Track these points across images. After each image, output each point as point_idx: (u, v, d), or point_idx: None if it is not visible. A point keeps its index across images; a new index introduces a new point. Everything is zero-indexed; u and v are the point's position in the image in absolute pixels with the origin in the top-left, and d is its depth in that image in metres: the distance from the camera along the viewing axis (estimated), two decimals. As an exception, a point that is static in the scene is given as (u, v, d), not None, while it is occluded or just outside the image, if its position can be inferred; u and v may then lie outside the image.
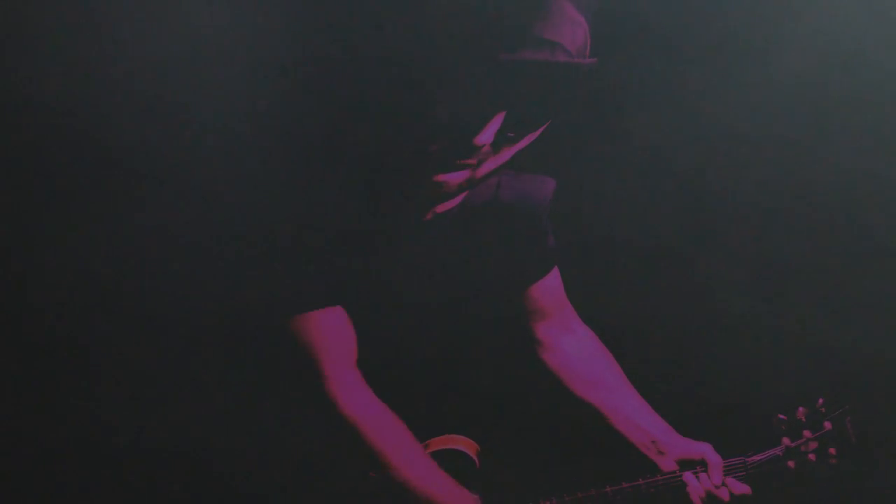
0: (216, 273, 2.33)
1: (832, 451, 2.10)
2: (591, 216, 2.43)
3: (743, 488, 2.11)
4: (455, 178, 1.90)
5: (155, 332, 2.33)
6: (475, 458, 2.22)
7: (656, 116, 2.34)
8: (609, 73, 2.07)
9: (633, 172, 2.38)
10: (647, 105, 2.33)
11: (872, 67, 2.32)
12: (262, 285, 2.21)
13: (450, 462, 2.22)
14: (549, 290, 2.30)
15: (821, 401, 2.12)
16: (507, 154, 1.93)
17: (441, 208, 2.06)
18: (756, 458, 2.11)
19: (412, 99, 1.91)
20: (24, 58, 2.47)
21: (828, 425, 2.10)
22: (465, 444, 2.24)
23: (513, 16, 1.87)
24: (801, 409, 2.13)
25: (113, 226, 2.47)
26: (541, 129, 1.96)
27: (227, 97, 2.30)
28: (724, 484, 2.11)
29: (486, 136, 1.83)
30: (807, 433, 2.11)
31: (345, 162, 2.04)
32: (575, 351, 2.33)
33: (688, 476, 2.12)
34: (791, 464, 2.11)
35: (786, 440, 2.11)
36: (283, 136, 2.19)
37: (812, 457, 2.10)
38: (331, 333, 2.12)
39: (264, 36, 2.30)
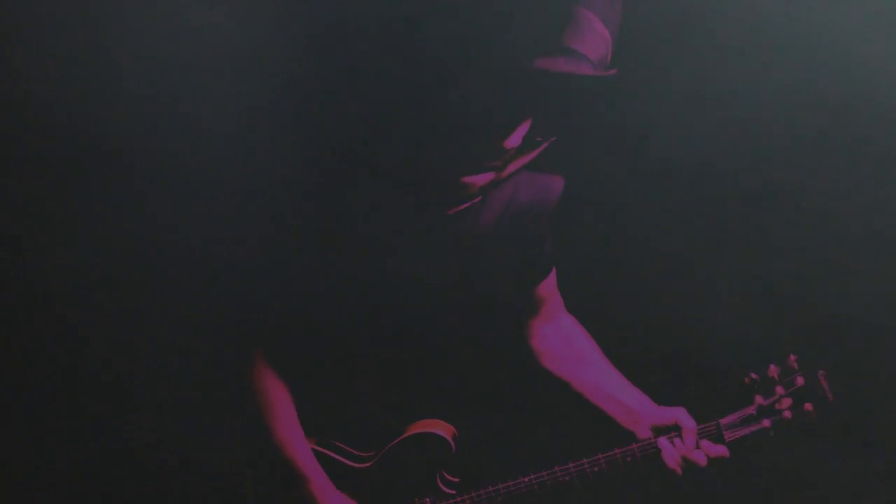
0: (222, 272, 2.36)
1: (808, 407, 2.07)
2: (594, 215, 2.45)
3: (719, 450, 2.08)
4: (481, 179, 1.98)
5: (154, 331, 2.37)
6: (451, 441, 2.22)
7: (664, 119, 2.36)
8: (621, 78, 2.10)
9: (637, 172, 2.40)
10: (654, 108, 2.36)
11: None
12: (268, 284, 2.25)
13: (427, 446, 2.23)
14: (548, 286, 2.31)
15: (793, 357, 2.10)
16: (530, 157, 2.02)
17: (462, 206, 2.12)
18: (729, 418, 2.09)
19: (443, 102, 1.98)
20: (24, 58, 2.52)
21: (800, 381, 2.07)
22: (441, 428, 2.24)
23: (542, 25, 1.95)
24: (772, 366, 2.10)
25: (113, 225, 2.50)
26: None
27: (243, 98, 2.34)
28: (698, 447, 2.08)
29: (515, 140, 1.93)
30: (779, 390, 2.08)
31: (370, 163, 2.11)
32: (555, 333, 2.34)
33: (662, 442, 2.10)
34: (767, 422, 2.08)
35: (758, 398, 2.08)
36: (308, 139, 2.23)
37: (787, 414, 2.07)
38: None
39: (286, 37, 2.34)
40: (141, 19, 2.51)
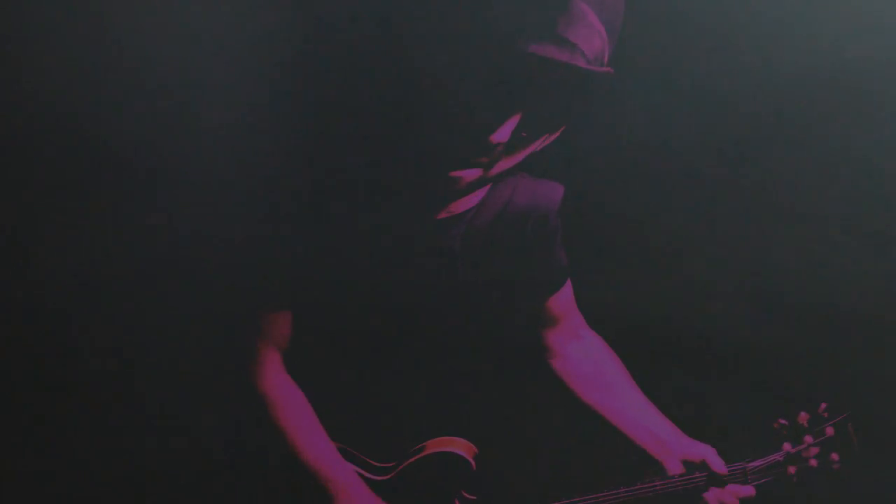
0: (216, 271, 2.33)
1: (834, 456, 2.08)
2: (599, 220, 2.43)
3: (746, 491, 2.09)
4: (468, 174, 1.97)
5: (154, 331, 2.33)
6: (471, 460, 2.20)
7: (663, 120, 2.34)
8: (617, 77, 2.07)
9: (638, 176, 2.39)
10: (652, 109, 2.34)
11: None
12: (263, 282, 2.21)
13: (446, 464, 2.20)
14: (562, 300, 2.28)
15: (823, 406, 2.10)
16: (520, 155, 2.00)
17: (455, 207, 2.08)
18: (756, 463, 2.09)
19: (430, 95, 1.97)
20: (24, 58, 2.47)
21: (830, 431, 2.08)
22: (462, 447, 2.22)
23: (535, 13, 1.92)
24: (802, 414, 2.11)
25: (113, 226, 2.47)
26: (556, 134, 2.01)
27: (231, 94, 2.30)
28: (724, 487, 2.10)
29: (501, 135, 1.91)
30: (808, 439, 2.08)
31: (355, 158, 2.08)
32: (581, 355, 2.31)
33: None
34: (792, 469, 2.09)
35: (787, 445, 2.09)
36: (289, 133, 2.20)
37: (813, 462, 2.08)
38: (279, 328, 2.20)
39: (269, 31, 2.31)
40: (138, 19, 2.46)
